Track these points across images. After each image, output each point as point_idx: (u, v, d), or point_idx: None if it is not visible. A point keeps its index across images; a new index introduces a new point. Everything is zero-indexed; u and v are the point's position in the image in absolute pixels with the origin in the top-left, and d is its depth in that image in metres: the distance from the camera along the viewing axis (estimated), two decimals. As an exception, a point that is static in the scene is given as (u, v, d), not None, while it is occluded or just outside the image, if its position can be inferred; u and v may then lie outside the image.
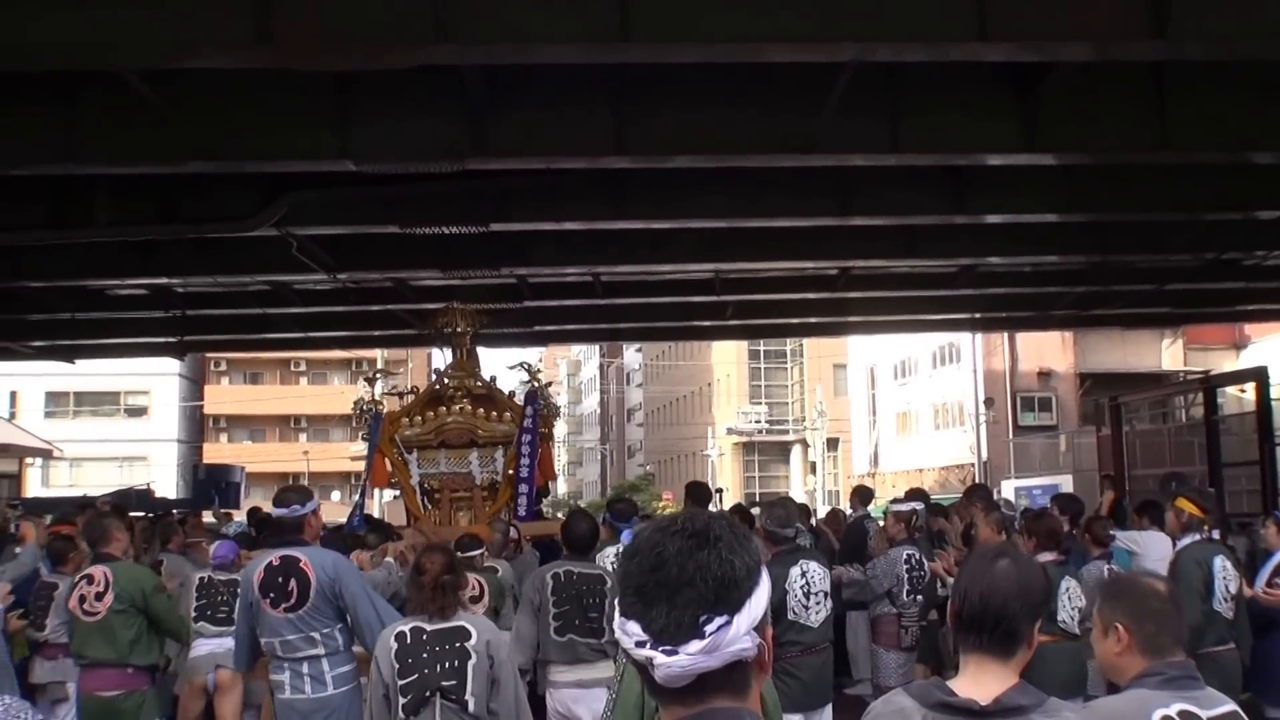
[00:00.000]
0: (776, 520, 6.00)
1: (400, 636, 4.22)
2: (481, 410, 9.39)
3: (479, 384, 9.63)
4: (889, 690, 6.95)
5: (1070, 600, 5.78)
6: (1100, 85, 7.02)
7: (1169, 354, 29.23)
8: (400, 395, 10.25)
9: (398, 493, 10.33)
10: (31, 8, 5.27)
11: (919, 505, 8.33)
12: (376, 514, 22.04)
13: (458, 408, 9.35)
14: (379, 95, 6.92)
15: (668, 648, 1.37)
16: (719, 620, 1.37)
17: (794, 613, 5.76)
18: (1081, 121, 7.13)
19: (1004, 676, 2.23)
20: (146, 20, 5.31)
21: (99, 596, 5.77)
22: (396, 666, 4.16)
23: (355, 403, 9.76)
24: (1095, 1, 5.47)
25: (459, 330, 9.85)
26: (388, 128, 7.01)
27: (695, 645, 1.36)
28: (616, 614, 1.44)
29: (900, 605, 7.44)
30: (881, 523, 8.72)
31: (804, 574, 5.83)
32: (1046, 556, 5.74)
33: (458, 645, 4.20)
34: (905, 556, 7.54)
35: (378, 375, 10.67)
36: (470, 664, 4.17)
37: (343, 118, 6.98)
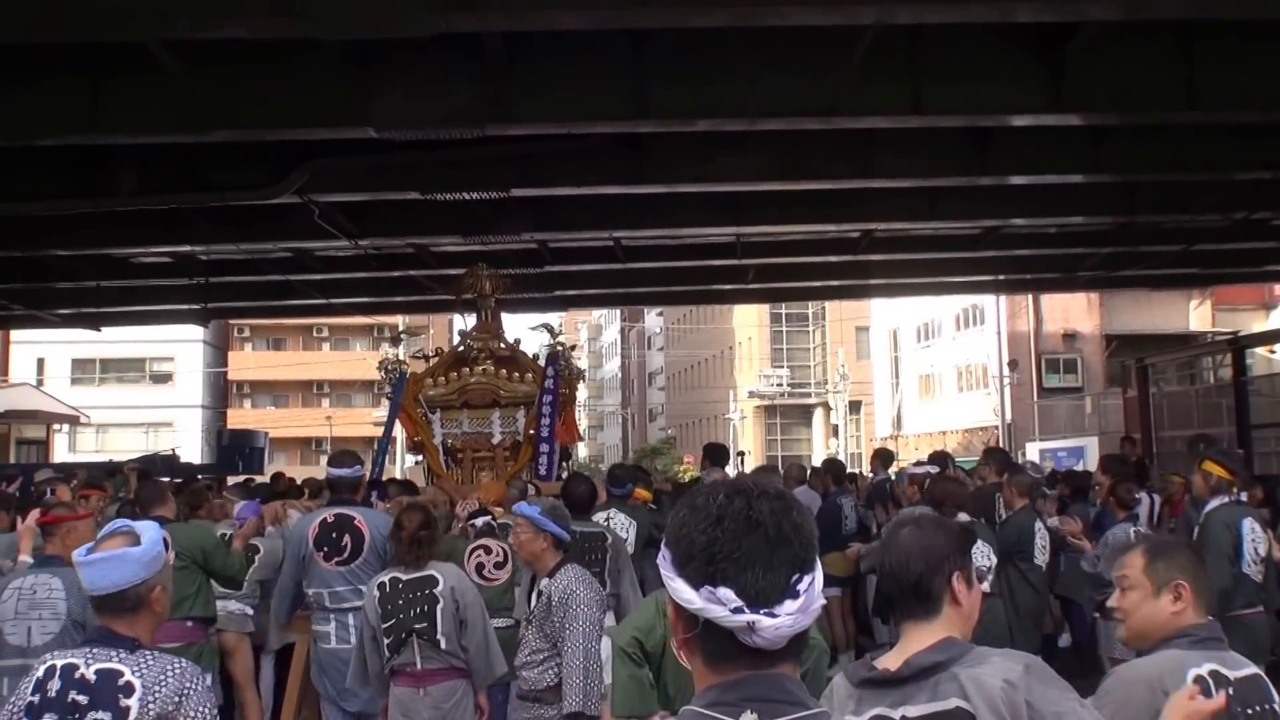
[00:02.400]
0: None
1: (381, 586, 4.79)
2: (505, 371, 9.45)
3: (503, 345, 9.70)
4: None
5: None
6: (1127, 44, 6.91)
7: (1197, 315, 28.95)
8: (426, 358, 10.28)
9: (419, 457, 10.41)
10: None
11: (933, 468, 8.36)
12: (398, 477, 22.22)
13: (481, 369, 9.41)
14: (399, 62, 6.91)
15: (767, 610, 1.38)
16: (808, 578, 1.41)
17: None
18: (1108, 81, 7.04)
19: (927, 639, 2.20)
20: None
21: None
22: (379, 612, 4.72)
23: (381, 362, 9.85)
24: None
25: (484, 293, 9.87)
26: (408, 94, 7.01)
27: (791, 605, 1.38)
28: (685, 584, 1.40)
29: None
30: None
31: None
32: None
33: (427, 591, 4.73)
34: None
35: (403, 335, 10.74)
36: (439, 608, 4.69)
37: (363, 85, 6.98)
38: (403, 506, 5.34)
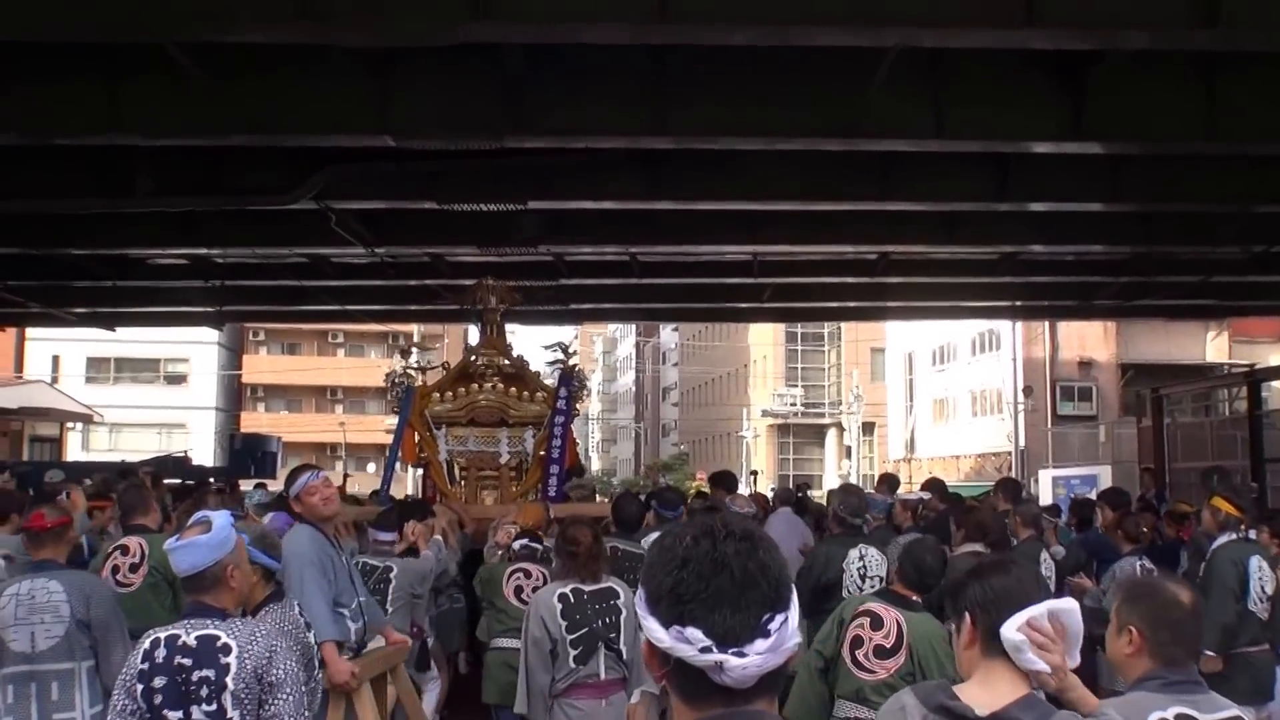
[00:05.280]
0: (850, 508, 6.42)
1: (563, 597, 4.83)
2: (513, 390, 9.31)
3: (509, 362, 9.58)
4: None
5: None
6: (1149, 73, 6.88)
7: (1213, 346, 28.74)
8: (423, 370, 10.16)
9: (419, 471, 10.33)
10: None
11: (925, 495, 8.36)
12: (411, 490, 22.20)
13: (489, 385, 9.28)
14: (419, 71, 6.92)
15: (736, 649, 1.38)
16: (779, 617, 1.41)
17: (849, 592, 6.06)
18: (1130, 110, 7.00)
19: (1016, 684, 2.24)
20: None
21: (133, 568, 5.73)
22: (564, 623, 4.76)
23: (387, 375, 9.74)
24: (1147, -12, 5.36)
25: (490, 306, 9.77)
26: (427, 104, 7.02)
27: (762, 644, 1.39)
28: (657, 623, 1.42)
29: None
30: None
31: (861, 557, 6.17)
32: (972, 547, 5.90)
33: (611, 603, 4.87)
34: None
35: (413, 347, 10.61)
36: (622, 618, 4.84)
37: (383, 93, 6.99)
38: (568, 523, 5.36)
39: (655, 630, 1.42)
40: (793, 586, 1.46)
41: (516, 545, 6.37)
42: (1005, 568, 2.43)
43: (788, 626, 1.42)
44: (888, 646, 4.07)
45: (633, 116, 7.05)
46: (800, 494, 12.11)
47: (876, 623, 4.10)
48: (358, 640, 5.04)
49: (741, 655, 1.38)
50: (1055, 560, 7.18)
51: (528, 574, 6.20)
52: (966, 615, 2.36)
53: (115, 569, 5.74)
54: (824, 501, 10.89)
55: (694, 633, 1.39)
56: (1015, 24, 5.31)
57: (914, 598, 4.27)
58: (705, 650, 1.38)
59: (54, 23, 5.51)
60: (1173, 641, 2.64)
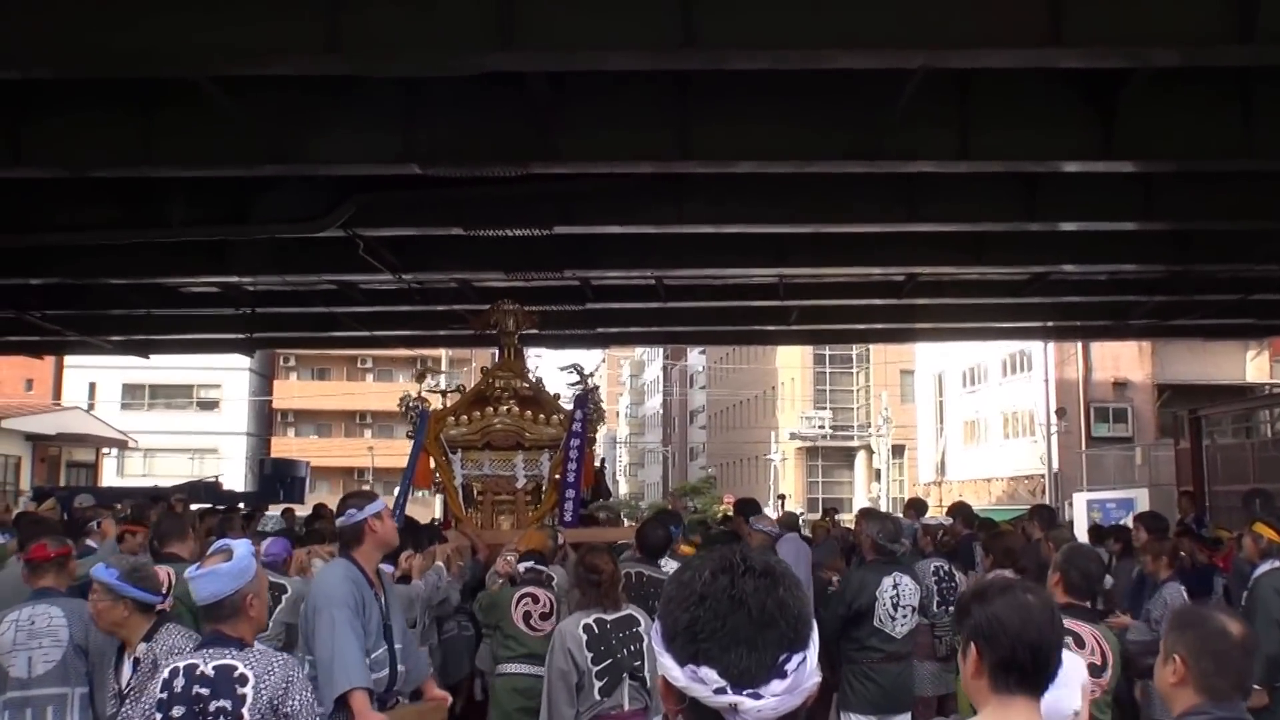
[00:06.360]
0: (887, 534, 6.34)
1: (588, 628, 4.74)
2: (529, 413, 9.20)
3: (525, 385, 9.49)
4: (923, 700, 6.81)
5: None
6: (1182, 90, 6.79)
7: (1254, 366, 28.33)
8: (444, 394, 10.10)
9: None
10: (109, 17, 5.39)
11: (947, 520, 8.28)
12: (438, 514, 22.17)
13: (504, 409, 9.16)
14: (445, 99, 6.96)
15: (751, 691, 1.33)
16: (797, 658, 1.36)
17: (880, 620, 6.06)
18: (1162, 128, 6.92)
19: (1032, 717, 2.14)
20: (219, 29, 5.40)
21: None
22: (590, 655, 4.68)
23: (401, 399, 9.65)
24: (1177, 5, 5.29)
25: (507, 329, 9.72)
26: (453, 131, 7.06)
27: (779, 685, 1.34)
28: (672, 660, 1.38)
29: (932, 616, 7.34)
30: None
31: (895, 585, 6.13)
32: (1001, 574, 5.71)
33: (633, 630, 4.79)
34: (934, 569, 7.44)
35: (426, 371, 10.52)
36: (644, 646, 4.73)
37: (409, 122, 7.04)
38: (586, 551, 5.30)
39: (671, 668, 1.38)
40: (814, 624, 1.41)
41: (522, 568, 6.23)
42: (1009, 591, 2.26)
43: (806, 666, 1.37)
44: (1098, 664, 3.95)
45: (658, 141, 7.05)
46: (829, 517, 12.03)
47: (1079, 641, 3.94)
48: (383, 689, 4.52)
49: (758, 697, 1.33)
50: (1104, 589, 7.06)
51: (535, 599, 6.07)
52: (972, 645, 2.21)
53: None
54: (851, 525, 10.78)
55: (708, 672, 1.34)
56: (1042, 43, 5.26)
57: (1088, 606, 4.21)
58: (720, 691, 1.34)
59: (88, 60, 5.58)
60: (1216, 673, 2.56)
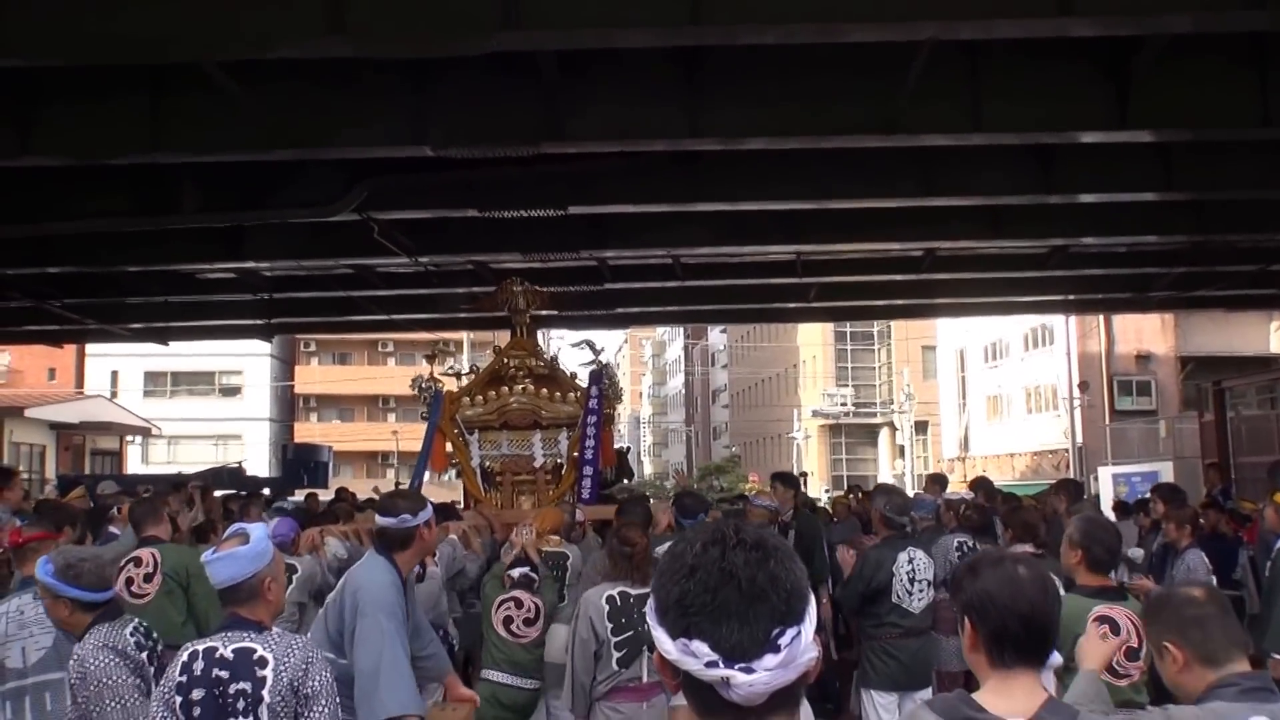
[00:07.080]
0: (895, 507, 6.40)
1: (611, 600, 4.84)
2: (545, 391, 9.15)
3: (540, 364, 9.44)
4: (949, 675, 6.80)
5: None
6: (1197, 58, 6.69)
7: (1277, 337, 28.02)
8: (458, 375, 10.09)
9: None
10: (114, 1, 5.40)
11: (968, 495, 8.27)
12: (456, 496, 22.28)
13: (520, 388, 9.12)
14: (455, 81, 6.95)
15: (743, 665, 1.32)
16: (790, 632, 1.34)
17: (897, 596, 6.14)
18: (1178, 96, 6.81)
19: (1034, 689, 2.13)
20: (224, 13, 5.40)
21: (147, 578, 5.81)
22: (610, 625, 4.78)
23: (413, 380, 9.60)
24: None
25: (518, 308, 9.66)
26: (464, 113, 7.05)
27: (771, 660, 1.33)
28: (665, 634, 1.38)
29: None
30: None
31: (910, 560, 6.19)
32: (1021, 548, 5.74)
33: None
34: (957, 544, 7.43)
35: (438, 352, 10.50)
36: None
37: (420, 104, 7.03)
38: (621, 526, 5.37)
39: (664, 641, 1.38)
40: (809, 598, 1.39)
41: (515, 574, 6.03)
42: (1000, 565, 2.24)
43: (800, 641, 1.35)
44: (1135, 646, 3.91)
45: (669, 119, 7.01)
46: (853, 495, 11.97)
47: (1114, 627, 3.89)
48: None
49: (749, 671, 1.32)
50: (1135, 562, 7.05)
51: (519, 604, 5.93)
52: (966, 619, 2.21)
53: (129, 580, 5.80)
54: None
55: (700, 646, 1.34)
56: (1052, 12, 5.19)
57: (1112, 584, 4.20)
58: (711, 665, 1.33)
59: (94, 47, 5.60)
60: (1206, 639, 2.53)
